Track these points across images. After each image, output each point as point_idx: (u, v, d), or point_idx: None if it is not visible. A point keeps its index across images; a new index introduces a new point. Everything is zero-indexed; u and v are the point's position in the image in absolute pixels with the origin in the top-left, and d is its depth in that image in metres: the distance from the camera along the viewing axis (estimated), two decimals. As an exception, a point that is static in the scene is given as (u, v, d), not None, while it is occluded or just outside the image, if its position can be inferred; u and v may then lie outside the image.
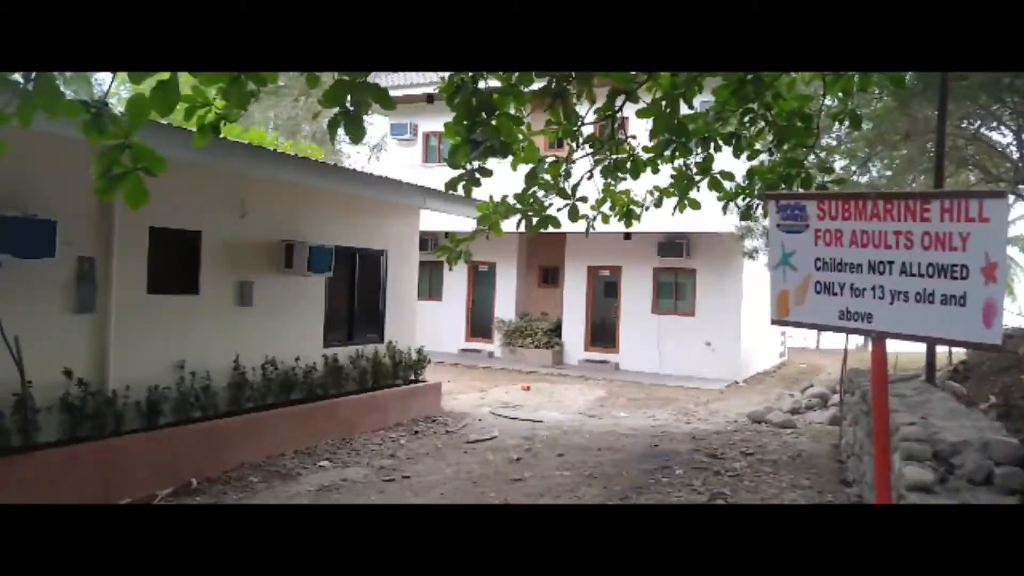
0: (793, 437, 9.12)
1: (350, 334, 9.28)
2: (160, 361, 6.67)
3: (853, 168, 14.24)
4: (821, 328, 3.00)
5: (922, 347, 6.73)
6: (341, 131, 3.77)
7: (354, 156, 28.11)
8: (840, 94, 6.07)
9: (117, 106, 4.04)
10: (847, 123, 6.71)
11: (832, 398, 11.09)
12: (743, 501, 6.02)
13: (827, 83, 5.82)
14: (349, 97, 3.70)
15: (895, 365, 10.85)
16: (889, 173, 14.75)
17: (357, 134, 3.84)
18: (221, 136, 4.17)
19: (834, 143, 13.77)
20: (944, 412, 5.08)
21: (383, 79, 15.03)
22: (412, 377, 9.97)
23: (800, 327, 3.10)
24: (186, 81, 2.74)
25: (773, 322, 3.07)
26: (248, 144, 7.44)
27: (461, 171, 4.86)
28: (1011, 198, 18.52)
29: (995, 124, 12.69)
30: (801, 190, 6.25)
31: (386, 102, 3.76)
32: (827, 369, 16.72)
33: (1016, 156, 12.65)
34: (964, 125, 12.60)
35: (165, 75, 2.64)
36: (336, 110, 3.69)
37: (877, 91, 10.54)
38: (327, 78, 3.90)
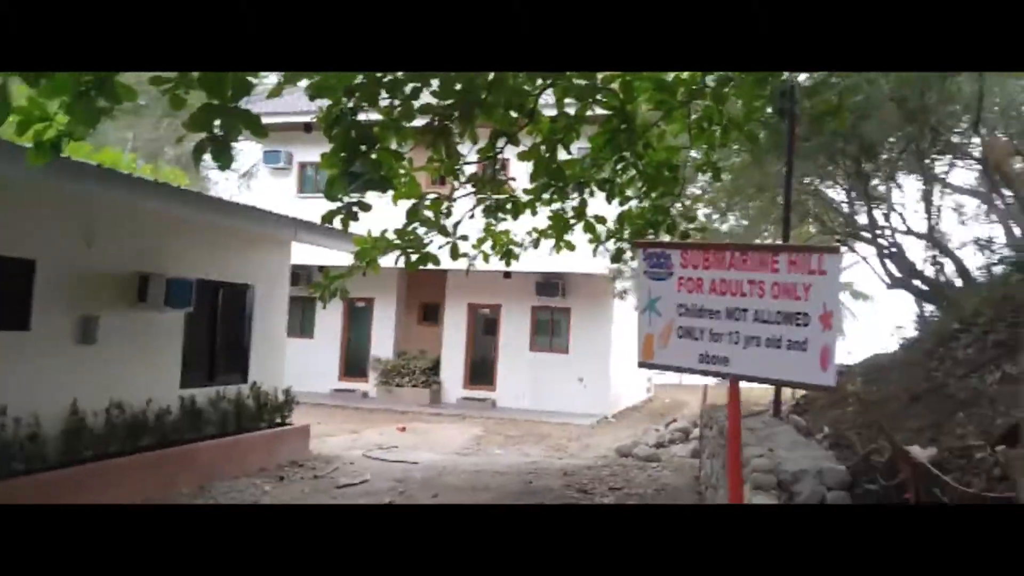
0: (658, 470, 9.47)
1: (211, 374, 8.65)
2: (-24, 407, 5.85)
3: (715, 217, 15.25)
4: (683, 371, 3.16)
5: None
6: (208, 157, 3.54)
7: (223, 183, 26.84)
8: (704, 147, 6.46)
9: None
10: (709, 174, 7.16)
11: (693, 432, 11.62)
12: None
13: (693, 136, 6.19)
14: (217, 122, 3.48)
15: (749, 400, 11.55)
16: (746, 222, 15.91)
17: (224, 161, 3.62)
18: (65, 155, 3.77)
19: (699, 192, 14.69)
20: (787, 443, 5.51)
21: (257, 106, 14.42)
22: (279, 420, 9.41)
23: (664, 369, 3.30)
24: (21, 92, 2.43)
25: (640, 365, 3.20)
26: (98, 166, 6.82)
27: (339, 204, 4.70)
28: (843, 249, 20.46)
29: (831, 183, 14.07)
30: (667, 236, 6.56)
31: (257, 129, 3.57)
32: (689, 404, 17.53)
33: (847, 211, 14.06)
34: (807, 182, 13.85)
35: (-4, 82, 2.34)
36: (203, 135, 3.46)
37: (736, 146, 11.38)
38: (194, 100, 3.65)
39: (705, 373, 2.96)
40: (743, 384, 2.91)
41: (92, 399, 6.85)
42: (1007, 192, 9.79)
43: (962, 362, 6.82)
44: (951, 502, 3.53)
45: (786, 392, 8.52)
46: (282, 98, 16.54)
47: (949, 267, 12.12)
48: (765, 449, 5.10)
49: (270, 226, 9.10)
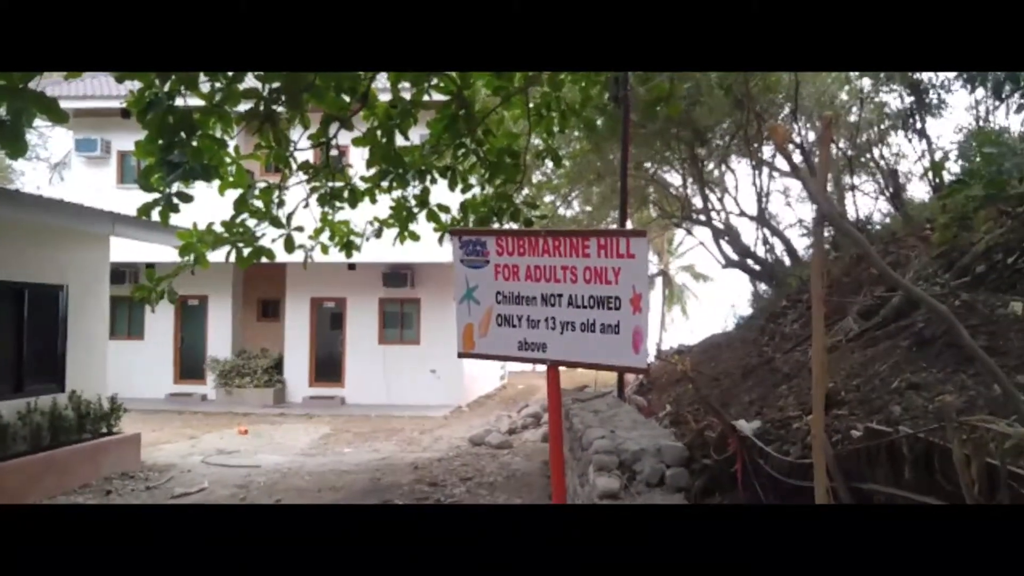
0: (509, 457, 9.66)
1: (19, 384, 7.78)
2: None
3: (558, 203, 15.73)
4: (503, 359, 3.12)
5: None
6: (-1, 144, 3.18)
7: (31, 174, 24.07)
8: (544, 134, 6.63)
9: None
10: (550, 161, 7.35)
11: (544, 417, 11.98)
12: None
13: (532, 123, 6.32)
14: (4, 105, 3.14)
15: (596, 382, 12.08)
16: (589, 208, 16.56)
17: (15, 149, 3.29)
18: None
19: (543, 180, 15.08)
20: (628, 424, 5.66)
21: (66, 87, 13.05)
22: (104, 430, 8.64)
23: (485, 359, 3.18)
24: None
25: (460, 355, 3.12)
26: None
27: (157, 195, 4.37)
28: (681, 232, 21.79)
29: (667, 168, 14.91)
30: (512, 223, 6.68)
31: (55, 114, 3.25)
32: (541, 390, 18.04)
33: (684, 195, 15.00)
34: (646, 167, 14.61)
35: None
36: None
37: (576, 133, 11.78)
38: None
39: (525, 360, 2.94)
40: (582, 368, 2.92)
41: None
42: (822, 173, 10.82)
43: (788, 337, 7.30)
44: (772, 471, 3.74)
45: (632, 374, 8.92)
46: (96, 79, 15.08)
47: (779, 246, 13.27)
48: (607, 431, 5.21)
49: (82, 220, 8.30)
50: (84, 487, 7.82)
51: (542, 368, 2.94)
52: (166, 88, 4.08)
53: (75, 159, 15.89)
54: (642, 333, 2.59)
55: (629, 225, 11.22)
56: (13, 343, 7.78)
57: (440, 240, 6.96)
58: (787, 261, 12.61)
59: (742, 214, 14.57)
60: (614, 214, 15.51)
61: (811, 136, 12.38)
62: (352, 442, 11.29)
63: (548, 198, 15.27)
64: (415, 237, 6.51)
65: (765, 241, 13.87)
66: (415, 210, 6.45)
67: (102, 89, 14.29)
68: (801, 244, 12.53)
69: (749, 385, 6.42)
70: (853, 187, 11.77)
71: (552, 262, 2.80)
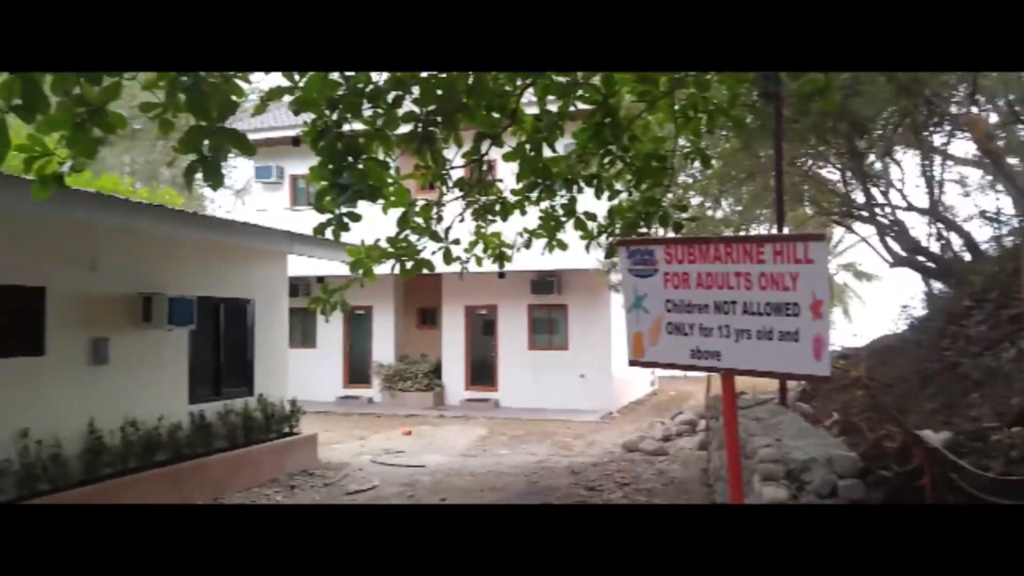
0: (665, 464, 9.49)
1: (217, 388, 8.80)
2: (-2, 431, 6.02)
3: (707, 205, 15.30)
4: (675, 367, 3.10)
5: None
6: (200, 177, 3.65)
7: (218, 200, 26.96)
8: (691, 135, 6.55)
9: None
10: (698, 163, 7.25)
11: (700, 424, 11.64)
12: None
13: (678, 125, 6.28)
14: (206, 143, 3.60)
15: (755, 388, 11.63)
16: (740, 208, 15.95)
17: (215, 181, 3.72)
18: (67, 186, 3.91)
19: (690, 181, 14.74)
20: (794, 432, 5.40)
21: (244, 123, 14.58)
22: (286, 430, 9.55)
23: (655, 367, 3.21)
24: (20, 127, 2.56)
25: (630, 363, 3.17)
26: (97, 193, 6.98)
27: (329, 215, 4.80)
28: (841, 230, 20.39)
29: (823, 163, 14.05)
30: (660, 227, 6.65)
31: (245, 147, 3.67)
32: (695, 396, 17.60)
33: (844, 191, 14.06)
34: (799, 163, 13.86)
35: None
36: (193, 156, 3.57)
37: (725, 132, 11.43)
38: (182, 122, 3.77)
39: (697, 368, 2.92)
40: (758, 377, 2.88)
41: (107, 418, 7.01)
42: (1012, 160, 9.64)
43: (975, 340, 6.63)
44: (969, 487, 3.47)
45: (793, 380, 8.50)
46: (269, 113, 16.63)
47: (956, 241, 12.05)
48: (772, 439, 5.02)
49: (266, 240, 9.24)
50: (272, 482, 8.69)
51: (694, 374, 2.95)
52: (334, 117, 4.51)
53: (255, 185, 17.66)
54: (823, 340, 2.53)
55: (787, 225, 10.71)
56: (212, 352, 8.81)
57: (587, 247, 7.07)
58: (967, 256, 11.44)
59: (910, 208, 13.40)
60: (766, 213, 14.83)
61: (993, 118, 11.21)
62: (508, 444, 11.63)
63: (696, 200, 14.90)
64: (563, 246, 6.64)
65: (939, 236, 12.65)
66: (563, 219, 6.61)
67: (274, 121, 15.81)
68: (983, 237, 11.31)
69: (930, 392, 5.92)
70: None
71: (724, 269, 2.78)
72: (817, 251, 2.56)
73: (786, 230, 10.43)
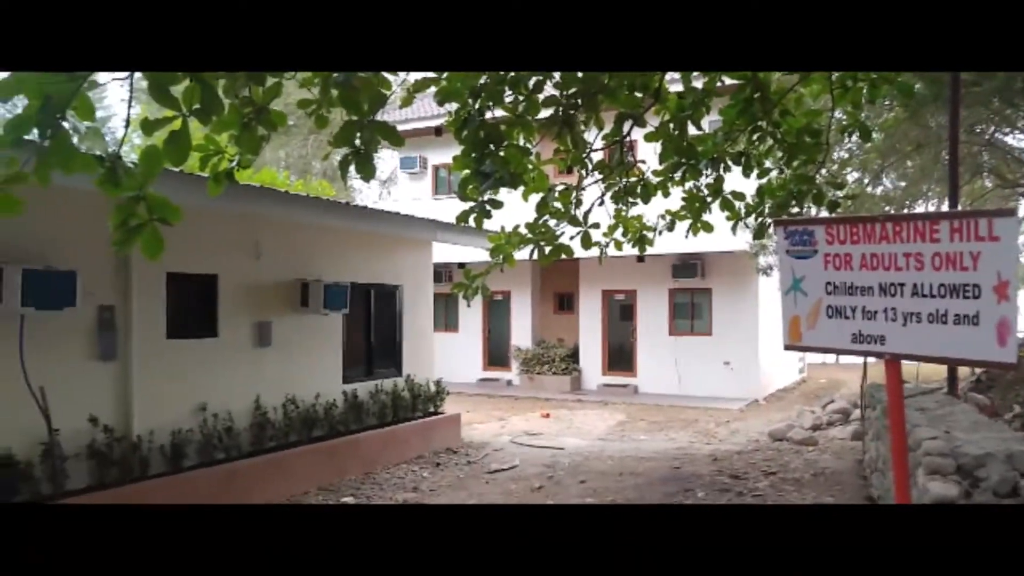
0: (815, 454, 9.01)
1: (368, 369, 9.29)
2: (182, 405, 6.70)
3: (866, 181, 14.17)
4: (834, 352, 3.01)
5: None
6: (352, 168, 3.81)
7: (365, 191, 28.41)
8: (849, 107, 6.06)
9: (131, 154, 4.12)
10: (857, 136, 6.70)
11: (854, 413, 10.93)
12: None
13: (835, 97, 5.82)
14: (359, 136, 3.74)
15: (917, 376, 10.69)
16: (904, 184, 14.65)
17: (367, 172, 3.87)
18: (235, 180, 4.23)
19: (846, 156, 13.72)
20: (967, 425, 5.06)
21: (390, 115, 15.23)
22: (431, 409, 9.94)
23: (813, 351, 3.12)
24: (196, 128, 2.78)
25: (786, 347, 3.08)
26: (260, 186, 7.55)
27: (472, 203, 4.88)
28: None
29: (1009, 129, 12.58)
30: (813, 207, 6.22)
31: (395, 139, 3.79)
32: (848, 384, 16.49)
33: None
34: (979, 131, 12.50)
35: (177, 124, 2.68)
36: (346, 149, 3.73)
37: (888, 102, 10.51)
38: (336, 117, 3.94)
39: (860, 353, 2.80)
40: (910, 362, 2.77)
41: (271, 395, 7.62)
42: None
43: None
44: None
45: (963, 368, 7.81)
46: (413, 105, 17.25)
47: None
48: (940, 431, 4.72)
49: (412, 229, 9.61)
50: (419, 458, 9.08)
51: (846, 361, 2.80)
52: (477, 105, 4.56)
53: (400, 175, 18.43)
54: (1009, 324, 2.34)
55: (962, 199, 9.72)
56: (364, 334, 9.32)
57: (734, 229, 6.75)
58: None
59: (1120, 173, 11.70)
60: (935, 188, 13.52)
61: None
62: (647, 430, 11.48)
63: (853, 176, 13.84)
64: (708, 228, 6.39)
65: None
66: (708, 200, 6.35)
67: (417, 112, 16.38)
68: None
69: None
70: None
71: (891, 249, 2.64)
72: (1005, 227, 2.36)
73: (960, 206, 9.44)
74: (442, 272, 15.59)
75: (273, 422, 7.51)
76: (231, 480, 6.68)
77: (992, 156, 13.87)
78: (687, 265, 14.73)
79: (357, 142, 3.74)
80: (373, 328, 9.45)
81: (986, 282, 2.37)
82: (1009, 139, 13.11)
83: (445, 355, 15.23)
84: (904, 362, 2.73)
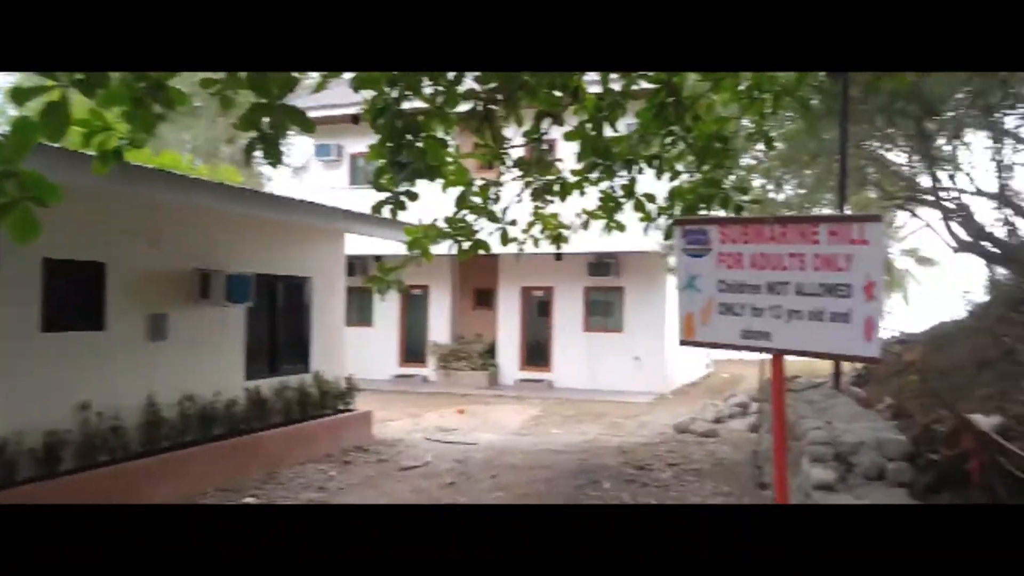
0: (716, 445, 9.44)
1: (274, 365, 8.93)
2: (60, 403, 6.19)
3: (770, 187, 14.82)
4: (725, 347, 3.13)
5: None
6: (260, 154, 3.62)
7: (277, 178, 27.45)
8: (756, 116, 6.28)
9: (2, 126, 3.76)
10: (762, 144, 6.96)
11: (752, 406, 11.47)
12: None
13: (743, 106, 6.02)
14: (266, 120, 3.55)
15: (809, 372, 11.30)
16: (803, 191, 15.42)
17: (275, 158, 3.70)
18: (127, 161, 3.93)
19: (752, 163, 14.28)
20: (846, 415, 5.44)
21: (303, 100, 14.70)
22: (341, 406, 9.67)
23: (706, 347, 3.22)
24: (81, 102, 2.53)
25: (681, 343, 3.16)
26: (158, 169, 7.08)
27: (387, 194, 4.76)
28: (905, 214, 19.63)
29: (890, 146, 13.45)
30: (721, 210, 6.41)
31: (305, 125, 3.63)
32: (748, 379, 17.24)
33: (909, 174, 13.45)
34: (865, 146, 13.29)
35: (56, 95, 2.43)
36: (253, 133, 3.53)
37: (789, 113, 11.01)
38: (243, 99, 3.73)
39: (747, 349, 2.93)
40: (799, 358, 2.87)
41: (166, 392, 7.18)
42: None
43: None
44: (1016, 470, 3.47)
45: (848, 364, 8.31)
46: (329, 91, 16.75)
47: (1022, 227, 11.53)
48: (823, 422, 5.06)
49: (324, 218, 9.29)
50: (327, 457, 8.81)
51: (748, 357, 2.88)
52: (394, 95, 4.42)
53: (314, 163, 17.86)
54: (875, 322, 2.50)
55: (848, 208, 10.30)
56: (269, 329, 8.94)
57: (646, 230, 6.88)
58: (1032, 243, 10.85)
59: (978, 192, 12.76)
60: (829, 197, 14.28)
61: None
62: (560, 424, 11.60)
63: (758, 182, 14.44)
64: (621, 228, 6.50)
65: (1006, 221, 12.04)
66: (622, 200, 6.43)
67: (333, 99, 15.89)
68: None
69: (986, 378, 5.87)
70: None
71: (778, 249, 2.75)
72: (874, 232, 2.54)
73: (848, 213, 9.98)
74: (357, 264, 15.20)
75: (167, 420, 7.08)
76: (116, 483, 6.22)
77: (876, 170, 14.81)
78: (602, 264, 14.98)
79: (265, 126, 3.55)
80: (280, 322, 9.08)
81: (857, 282, 2.52)
82: (891, 155, 14.03)
83: (359, 351, 14.87)
84: (797, 357, 2.84)
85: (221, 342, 8.07)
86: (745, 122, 6.45)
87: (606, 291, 15.57)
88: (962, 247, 12.92)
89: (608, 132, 5.62)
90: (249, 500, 6.88)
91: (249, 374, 8.43)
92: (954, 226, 12.89)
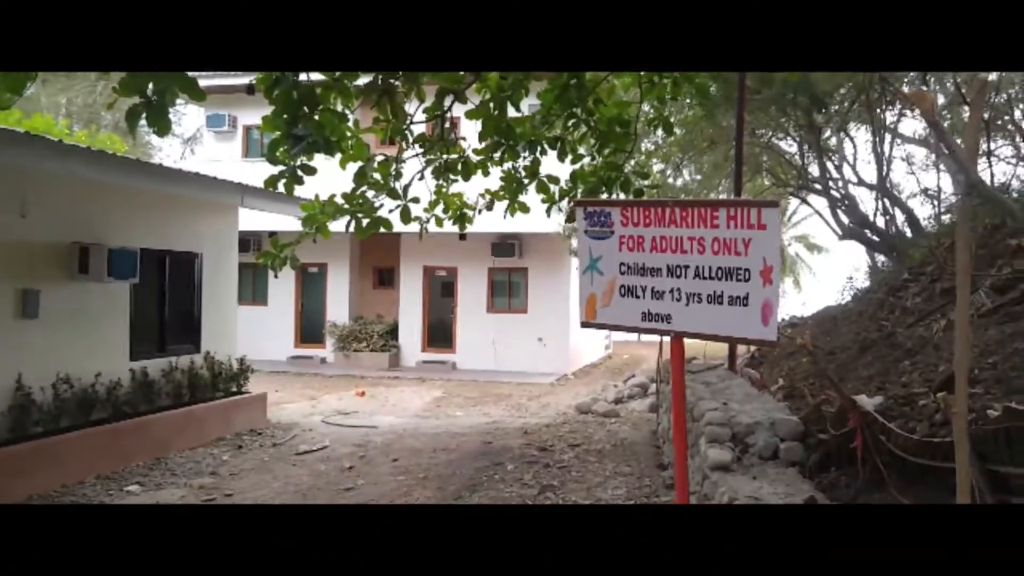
0: (616, 426, 9.64)
1: (162, 345, 8.47)
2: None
3: (669, 172, 15.30)
4: (626, 329, 3.12)
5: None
6: (145, 122, 3.40)
7: (166, 149, 25.91)
8: (656, 101, 6.45)
9: None
10: (661, 129, 7.16)
11: (651, 387, 11.85)
12: (571, 491, 6.25)
13: (643, 91, 6.16)
14: (151, 85, 3.34)
15: (705, 354, 11.83)
16: (700, 177, 16.03)
17: (161, 126, 3.49)
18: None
19: (652, 148, 14.69)
20: (741, 396, 5.61)
21: (197, 67, 13.89)
22: (234, 388, 9.30)
23: (607, 328, 3.24)
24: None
25: (583, 325, 3.15)
26: (27, 133, 6.51)
27: (282, 167, 4.58)
28: (796, 201, 20.77)
29: (783, 135, 14.17)
30: (621, 193, 6.56)
31: (194, 92, 3.44)
32: (647, 360, 17.85)
33: (800, 164, 14.23)
34: (760, 135, 13.95)
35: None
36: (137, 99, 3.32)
37: (688, 100, 11.37)
38: (122, 64, 3.48)
39: (648, 331, 2.94)
40: (696, 340, 2.92)
41: (38, 374, 6.67)
42: (957, 140, 10.02)
43: (910, 311, 6.99)
44: (895, 448, 3.62)
45: (742, 346, 8.70)
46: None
47: (900, 217, 12.44)
48: (719, 403, 5.18)
49: (214, 192, 8.85)
50: (219, 440, 8.48)
51: (647, 338, 2.94)
52: (291, 65, 4.24)
53: (206, 133, 16.95)
54: (772, 306, 2.54)
55: (745, 194, 10.79)
56: (156, 306, 8.47)
57: (548, 211, 6.95)
58: (909, 232, 11.78)
59: (861, 183, 13.70)
60: (725, 183, 14.91)
61: (941, 99, 11.44)
62: (463, 406, 11.62)
63: (658, 167, 14.89)
64: (525, 209, 6.52)
65: (885, 211, 13.01)
66: (525, 181, 6.46)
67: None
68: (924, 214, 11.68)
69: (868, 360, 6.21)
70: (990, 152, 10.76)
71: (679, 233, 2.77)
72: (770, 217, 2.55)
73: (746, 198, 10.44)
74: (251, 240, 14.60)
75: (40, 404, 6.60)
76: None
77: (769, 158, 15.58)
78: (506, 244, 15.05)
79: (149, 92, 3.34)
80: (168, 299, 8.61)
81: (755, 267, 2.56)
82: (783, 144, 14.80)
83: (252, 331, 14.34)
84: (695, 339, 2.89)
85: (103, 320, 7.57)
86: (645, 107, 6.59)
87: (510, 272, 15.67)
88: (847, 234, 13.83)
89: (512, 112, 5.62)
90: (134, 488, 6.54)
91: (134, 354, 7.96)
92: (840, 214, 13.78)
